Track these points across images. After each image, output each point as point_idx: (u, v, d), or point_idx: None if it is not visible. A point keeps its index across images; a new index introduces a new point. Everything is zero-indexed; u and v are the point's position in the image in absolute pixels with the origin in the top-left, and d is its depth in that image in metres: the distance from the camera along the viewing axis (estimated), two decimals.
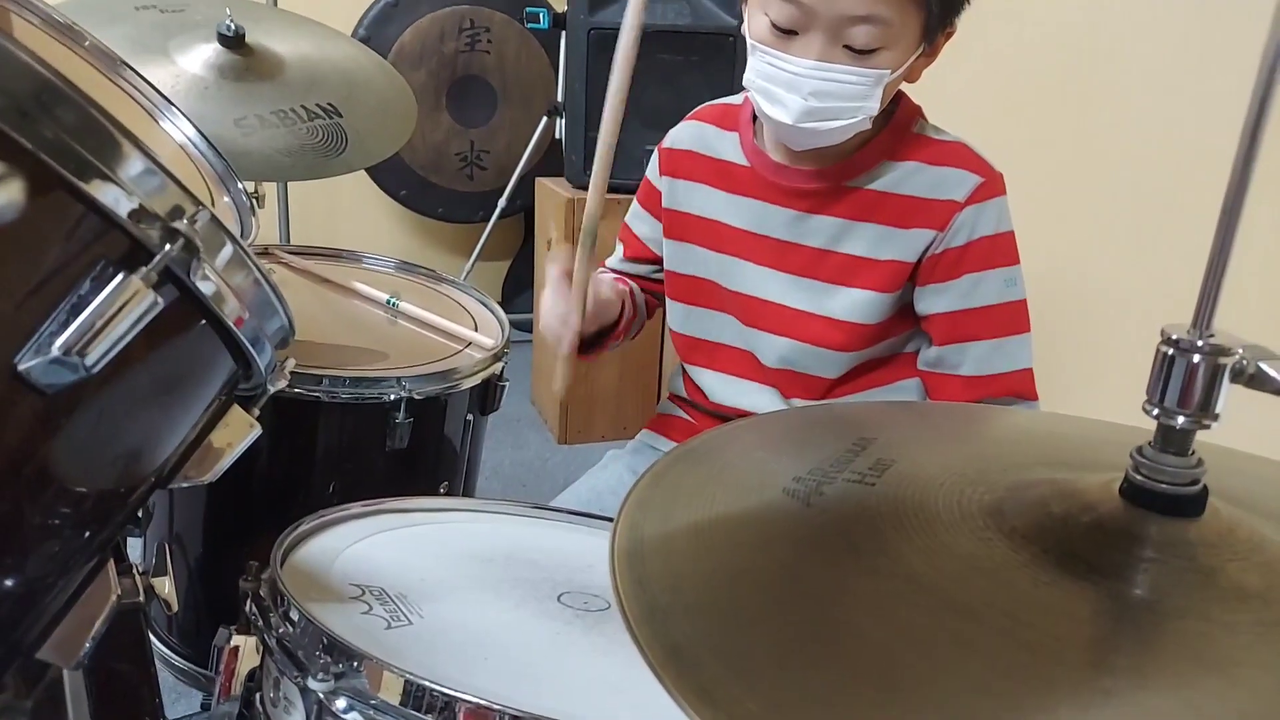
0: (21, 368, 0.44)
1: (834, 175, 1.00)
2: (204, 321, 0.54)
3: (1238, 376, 0.39)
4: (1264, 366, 0.39)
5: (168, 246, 0.47)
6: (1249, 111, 0.36)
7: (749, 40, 0.94)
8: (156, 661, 1.19)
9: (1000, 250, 0.98)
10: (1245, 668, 0.34)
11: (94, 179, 0.46)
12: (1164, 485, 0.40)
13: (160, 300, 0.47)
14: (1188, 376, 0.39)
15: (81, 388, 0.47)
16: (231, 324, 0.54)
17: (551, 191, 2.49)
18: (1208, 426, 0.39)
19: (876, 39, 0.88)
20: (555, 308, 0.99)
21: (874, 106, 0.92)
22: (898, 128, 0.99)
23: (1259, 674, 0.34)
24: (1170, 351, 0.39)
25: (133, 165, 0.47)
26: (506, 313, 1.33)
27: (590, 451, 2.42)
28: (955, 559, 0.39)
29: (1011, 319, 1.00)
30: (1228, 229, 0.38)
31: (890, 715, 0.31)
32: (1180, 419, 0.39)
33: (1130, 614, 0.36)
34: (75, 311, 0.45)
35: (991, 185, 0.97)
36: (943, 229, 0.97)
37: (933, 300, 1.00)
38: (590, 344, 1.08)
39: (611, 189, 2.62)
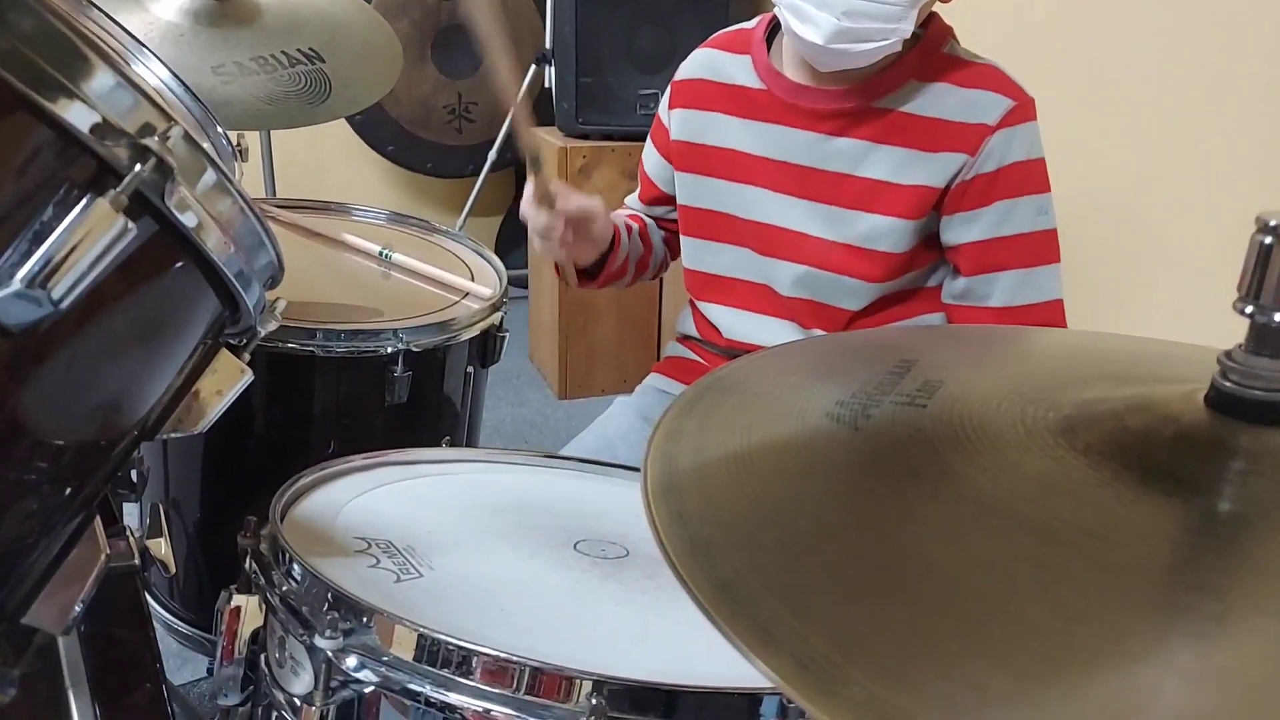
0: None
1: (858, 95, 0.95)
2: (185, 255, 0.49)
3: None
4: None
5: (138, 167, 0.43)
6: None
7: None
8: (160, 627, 1.17)
9: (1033, 176, 0.94)
10: None
11: (55, 94, 0.41)
12: (1257, 391, 0.36)
13: (133, 227, 0.42)
14: None
15: (51, 328, 0.42)
16: (215, 258, 0.50)
17: (543, 141, 2.42)
18: None
19: None
20: (536, 223, 0.96)
21: (908, 29, 0.88)
22: (927, 48, 0.94)
23: None
24: (1269, 240, 0.35)
25: (100, 80, 0.43)
26: None
27: (591, 405, 2.38)
28: (1027, 479, 0.35)
29: (1043, 248, 0.96)
30: None
31: (974, 648, 0.28)
32: (1278, 315, 0.35)
33: (1227, 531, 0.33)
34: (38, 240, 0.40)
35: (1024, 109, 0.93)
36: (973, 153, 0.92)
37: (963, 229, 0.95)
38: (593, 270, 1.07)
39: (604, 136, 2.54)
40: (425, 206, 3.01)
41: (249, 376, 0.57)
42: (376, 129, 2.69)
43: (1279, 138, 1.33)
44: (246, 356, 0.58)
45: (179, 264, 0.49)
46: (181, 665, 1.31)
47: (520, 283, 2.71)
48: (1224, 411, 0.36)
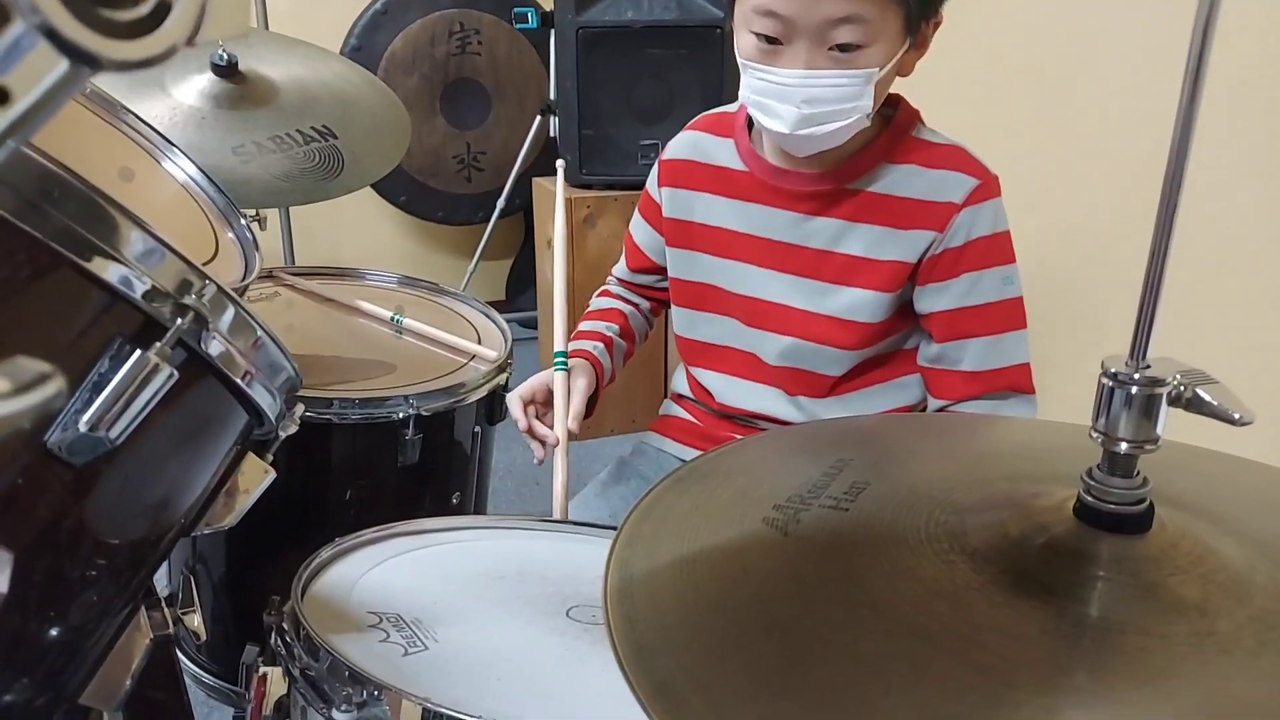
0: (51, 443, 0.48)
1: (834, 178, 1.02)
2: (216, 381, 0.57)
3: (1175, 402, 0.42)
4: (1200, 391, 0.42)
5: (179, 321, 0.51)
6: (1170, 160, 0.39)
7: (739, 59, 0.96)
8: (188, 680, 1.25)
9: (997, 249, 1.01)
10: (1178, 679, 0.37)
11: (103, 260, 0.49)
12: (1112, 506, 0.43)
13: (175, 372, 0.50)
14: (1127, 406, 0.42)
15: (107, 456, 0.50)
16: (240, 381, 0.58)
17: (548, 192, 2.51)
18: (1150, 450, 0.42)
19: (859, 37, 0.90)
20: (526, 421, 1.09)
21: (867, 105, 0.94)
22: (896, 131, 1.02)
23: (1189, 685, 0.37)
24: (1109, 384, 0.42)
25: (136, 244, 0.51)
26: (511, 310, 1.37)
27: (601, 446, 2.45)
28: (918, 583, 0.42)
29: (1008, 316, 1.03)
30: (1158, 266, 0.41)
31: None
32: (1123, 445, 0.42)
33: (1079, 632, 0.39)
34: (97, 389, 0.48)
35: (987, 187, 1.00)
36: (942, 230, 0.99)
37: (933, 299, 1.02)
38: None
39: (607, 186, 2.64)
40: (438, 253, 3.11)
41: (272, 475, 0.65)
42: (389, 181, 2.80)
43: (1244, 184, 1.39)
44: (270, 457, 0.66)
45: (210, 389, 0.57)
46: (208, 715, 1.39)
47: (530, 324, 2.80)
48: (1087, 521, 0.43)
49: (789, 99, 0.93)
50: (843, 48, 0.90)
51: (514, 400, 1.10)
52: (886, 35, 0.91)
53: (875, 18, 0.89)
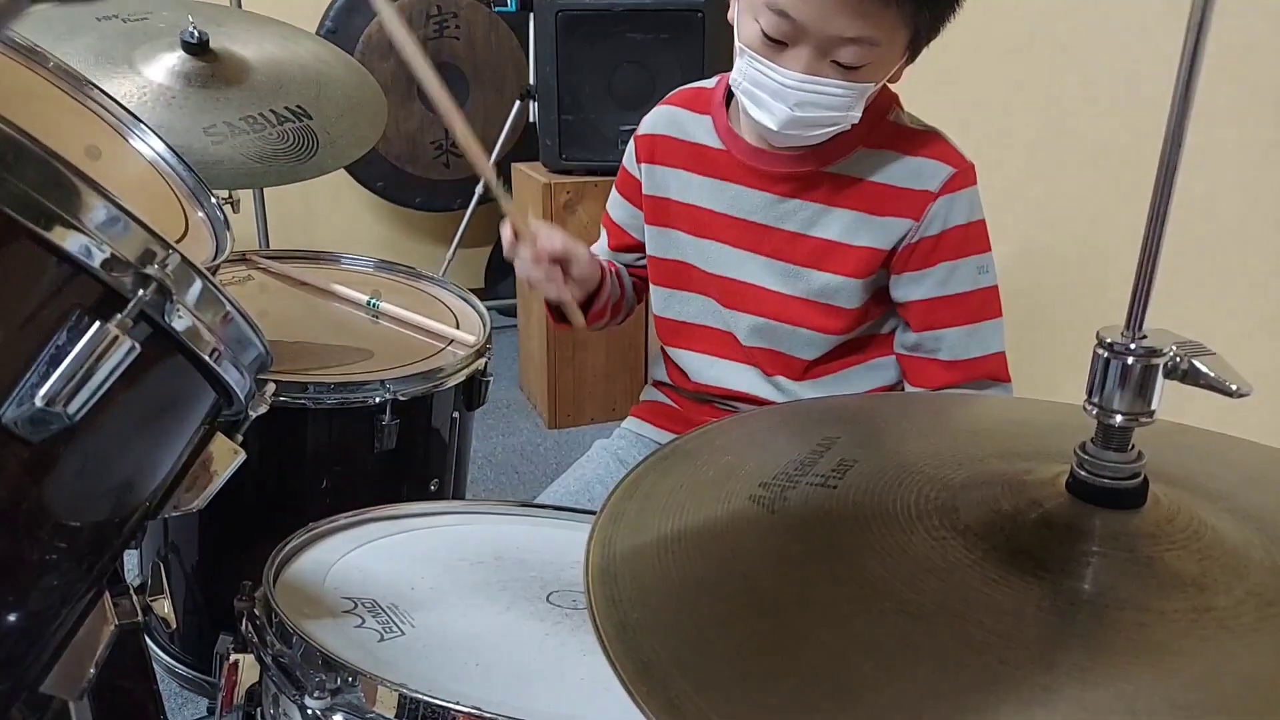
0: (6, 419, 0.46)
1: (811, 160, 1.01)
2: (181, 357, 0.55)
3: (1172, 373, 0.41)
4: (1196, 363, 0.41)
5: (141, 292, 0.49)
6: (1168, 127, 0.38)
7: (738, 42, 0.94)
8: (161, 670, 1.22)
9: (973, 238, 1.00)
10: (1177, 656, 0.36)
11: (62, 228, 0.47)
12: (1106, 480, 0.42)
13: (137, 345, 0.48)
14: (1123, 377, 0.41)
15: (65, 434, 0.48)
16: (207, 358, 0.55)
17: (528, 177, 2.48)
18: (1146, 423, 0.41)
19: (863, 57, 0.89)
20: (525, 265, 1.03)
21: (856, 115, 0.94)
22: (874, 115, 1.00)
23: (1188, 661, 0.36)
24: (1105, 354, 0.41)
25: (98, 212, 0.48)
26: (490, 298, 1.35)
27: (581, 435, 2.44)
28: (910, 560, 0.41)
29: (984, 305, 1.02)
30: (1155, 234, 0.40)
31: None
32: (1118, 417, 0.41)
33: (1074, 608, 0.38)
34: (55, 362, 0.46)
35: (964, 175, 0.99)
36: (918, 218, 0.98)
37: (909, 288, 1.02)
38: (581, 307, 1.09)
39: (587, 171, 2.60)
40: (415, 240, 3.08)
41: (241, 456, 0.63)
42: (366, 166, 2.76)
43: (1234, 163, 1.39)
44: (239, 437, 0.64)
45: (176, 365, 0.55)
46: (182, 705, 1.37)
47: (509, 312, 2.77)
48: (1081, 497, 0.42)
49: (783, 99, 0.91)
50: (846, 64, 0.89)
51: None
52: (889, 57, 0.91)
53: (883, 41, 0.88)
